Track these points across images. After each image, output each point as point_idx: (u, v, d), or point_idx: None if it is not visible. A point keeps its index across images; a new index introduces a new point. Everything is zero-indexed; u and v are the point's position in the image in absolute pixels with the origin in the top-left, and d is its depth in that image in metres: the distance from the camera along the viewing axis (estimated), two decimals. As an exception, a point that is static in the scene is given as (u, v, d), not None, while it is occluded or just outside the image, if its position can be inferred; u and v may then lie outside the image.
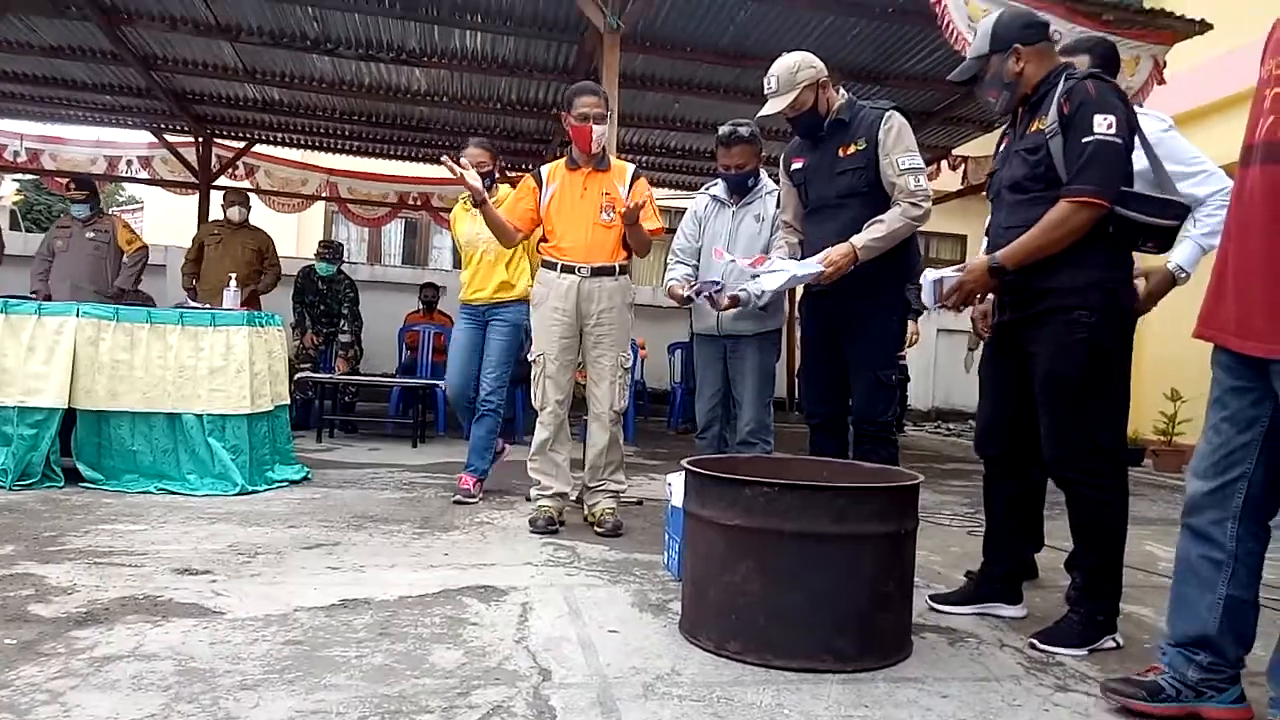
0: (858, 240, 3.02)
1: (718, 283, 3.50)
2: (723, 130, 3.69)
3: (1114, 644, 2.50)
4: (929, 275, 2.71)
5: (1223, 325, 1.95)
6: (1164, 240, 2.51)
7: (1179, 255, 2.95)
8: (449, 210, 4.73)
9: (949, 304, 2.66)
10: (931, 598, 2.86)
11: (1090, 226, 2.40)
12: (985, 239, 2.85)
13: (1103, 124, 2.37)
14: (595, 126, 3.68)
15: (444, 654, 2.25)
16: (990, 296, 2.72)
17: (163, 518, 3.70)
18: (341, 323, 7.52)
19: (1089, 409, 2.46)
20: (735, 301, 3.50)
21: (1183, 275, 2.98)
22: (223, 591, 2.70)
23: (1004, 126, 2.81)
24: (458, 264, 6.95)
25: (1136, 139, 2.48)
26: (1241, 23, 2.28)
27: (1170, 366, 7.35)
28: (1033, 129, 2.54)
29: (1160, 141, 2.80)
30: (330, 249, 7.66)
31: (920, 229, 3.14)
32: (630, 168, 3.93)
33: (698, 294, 3.52)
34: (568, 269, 3.75)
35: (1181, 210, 2.48)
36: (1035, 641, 2.50)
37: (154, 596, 2.62)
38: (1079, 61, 2.86)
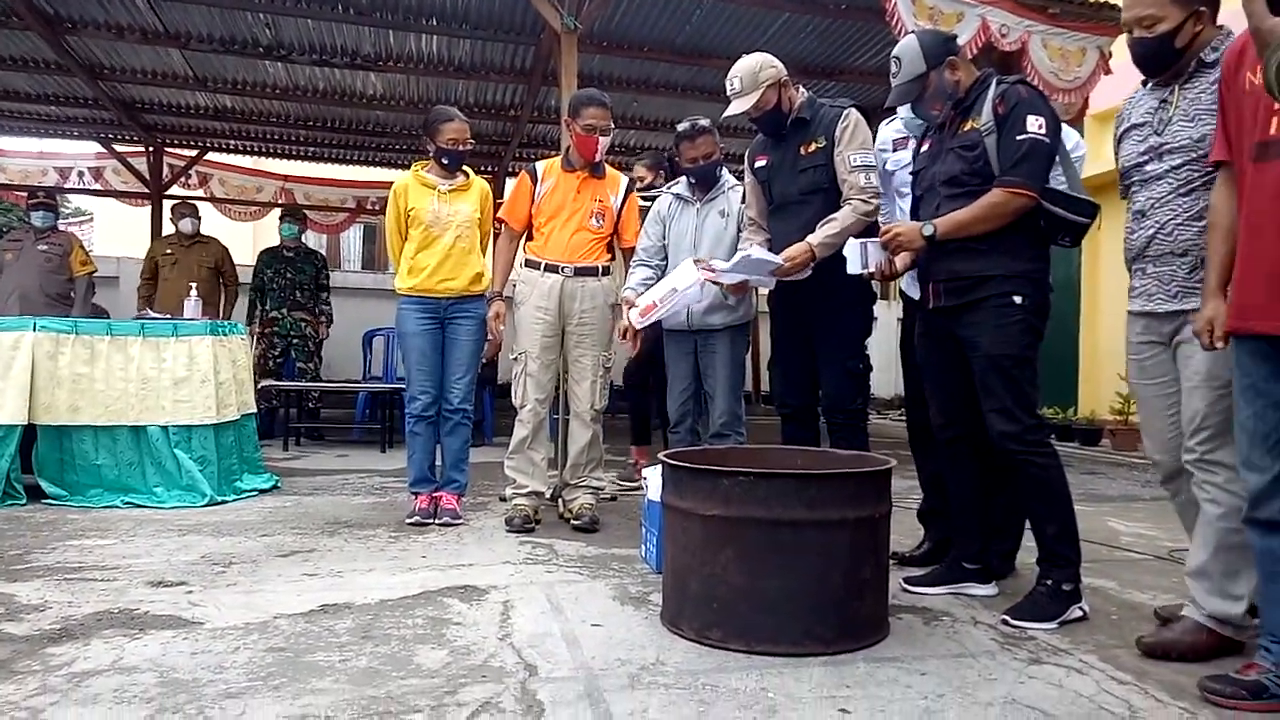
0: (814, 238, 3.10)
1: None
2: (683, 126, 3.72)
3: (1081, 613, 2.59)
4: (854, 241, 2.88)
5: (1252, 314, 1.99)
6: (1077, 235, 2.69)
7: None
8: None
9: (873, 266, 2.85)
10: (905, 580, 2.93)
11: (1018, 215, 2.60)
12: None
13: (1035, 124, 2.58)
14: (601, 138, 3.72)
15: (429, 654, 2.26)
16: (912, 272, 2.90)
17: (132, 531, 3.64)
18: (324, 294, 7.20)
19: (1029, 386, 2.64)
20: (743, 286, 3.43)
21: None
22: (200, 602, 2.67)
23: (925, 129, 2.97)
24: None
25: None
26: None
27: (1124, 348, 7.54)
28: (966, 128, 2.71)
29: None
30: (293, 213, 7.45)
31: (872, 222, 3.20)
32: (624, 179, 3.97)
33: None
34: (551, 268, 3.77)
35: (1093, 209, 2.66)
36: (1007, 618, 2.57)
37: (129, 610, 2.58)
38: None
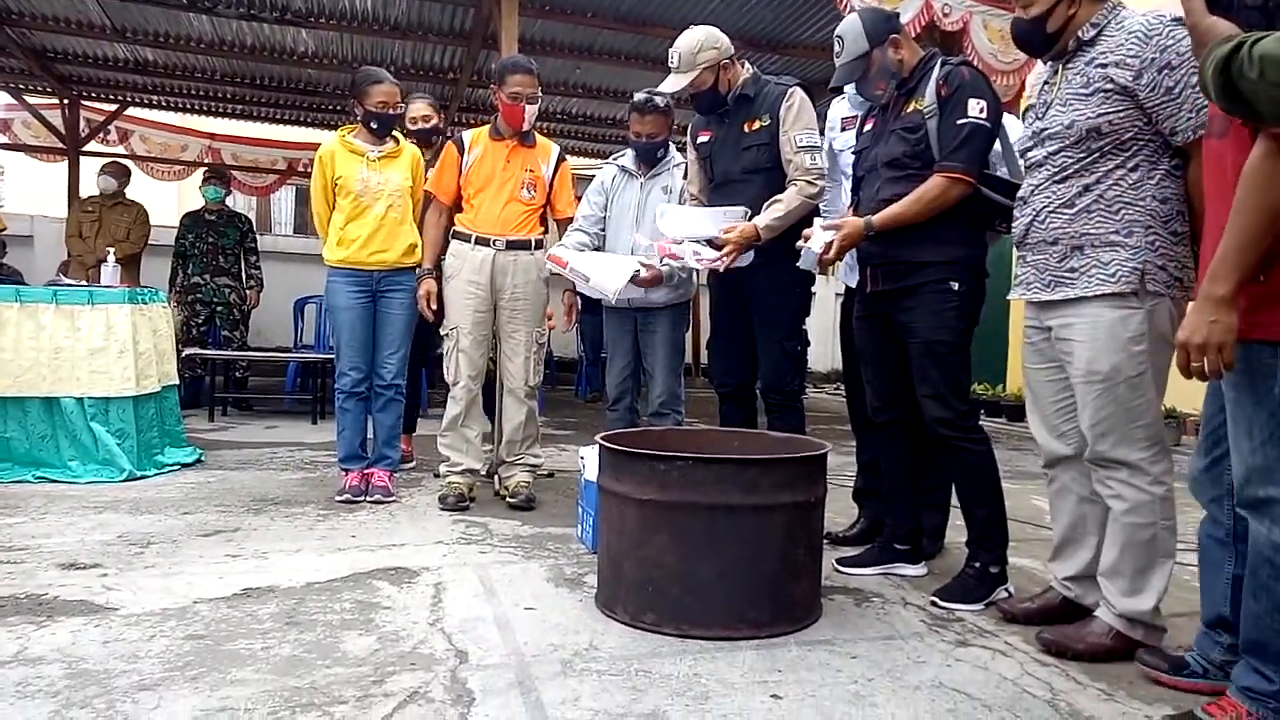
0: (760, 221, 3.06)
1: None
2: (638, 97, 3.64)
3: (1006, 594, 2.65)
4: (811, 251, 2.79)
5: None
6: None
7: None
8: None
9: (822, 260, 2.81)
10: (838, 560, 2.96)
11: (957, 201, 2.59)
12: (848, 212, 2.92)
13: (976, 108, 2.57)
14: (528, 106, 3.62)
15: (356, 641, 2.20)
16: (850, 260, 2.93)
17: (43, 509, 3.48)
18: (252, 257, 6.94)
19: (962, 372, 2.67)
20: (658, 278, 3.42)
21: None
22: (114, 586, 2.56)
23: (869, 109, 2.96)
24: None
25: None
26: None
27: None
28: (909, 110, 2.70)
29: None
30: (218, 175, 7.14)
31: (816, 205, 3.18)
32: (555, 149, 3.88)
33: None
34: (482, 241, 3.67)
35: None
36: (936, 599, 2.62)
37: (37, 595, 2.46)
38: None
